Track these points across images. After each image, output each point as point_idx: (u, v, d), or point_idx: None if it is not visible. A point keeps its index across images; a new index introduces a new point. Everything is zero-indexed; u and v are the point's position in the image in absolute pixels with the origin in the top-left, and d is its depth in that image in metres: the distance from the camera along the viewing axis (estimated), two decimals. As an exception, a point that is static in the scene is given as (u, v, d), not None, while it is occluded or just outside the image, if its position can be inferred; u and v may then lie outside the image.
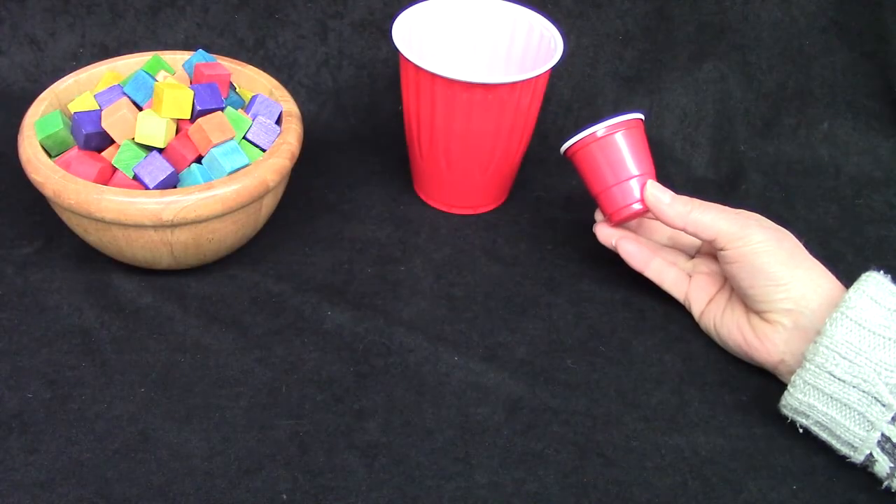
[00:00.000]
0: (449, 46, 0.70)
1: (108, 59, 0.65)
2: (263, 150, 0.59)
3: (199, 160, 0.57)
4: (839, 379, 0.49)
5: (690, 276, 0.61)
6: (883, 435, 0.48)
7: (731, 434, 0.53)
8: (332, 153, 0.74)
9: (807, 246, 0.55)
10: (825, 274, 0.53)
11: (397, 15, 0.65)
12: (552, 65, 0.62)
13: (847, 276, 0.53)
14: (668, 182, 0.74)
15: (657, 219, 0.58)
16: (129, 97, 0.58)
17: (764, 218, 0.57)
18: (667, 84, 0.79)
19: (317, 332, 0.58)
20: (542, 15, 0.67)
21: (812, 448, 0.52)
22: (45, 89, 0.62)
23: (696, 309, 0.60)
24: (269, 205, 0.60)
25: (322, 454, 0.50)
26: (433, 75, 0.60)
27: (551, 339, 0.59)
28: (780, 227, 0.56)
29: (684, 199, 0.57)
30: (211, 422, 0.51)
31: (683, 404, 0.55)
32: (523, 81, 0.60)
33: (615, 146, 0.58)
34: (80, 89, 0.63)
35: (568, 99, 0.79)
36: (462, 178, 0.66)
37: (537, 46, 0.67)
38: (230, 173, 0.55)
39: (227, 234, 0.58)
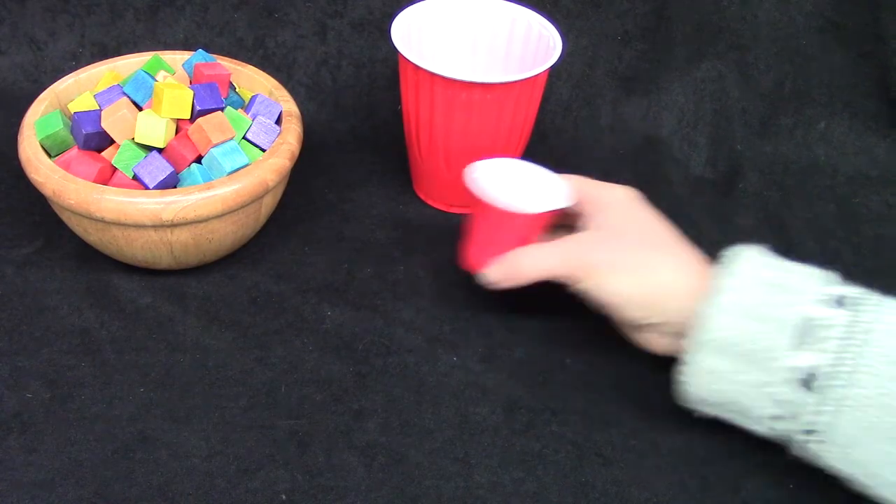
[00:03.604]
0: (448, 46, 0.70)
1: (108, 59, 0.65)
2: (263, 150, 0.59)
3: (198, 160, 0.57)
4: (710, 401, 0.49)
5: None
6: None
7: (729, 433, 0.53)
8: (332, 153, 0.74)
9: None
10: (683, 271, 0.51)
11: (396, 14, 0.65)
12: (551, 64, 0.62)
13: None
14: (667, 181, 0.75)
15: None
16: (129, 97, 0.58)
17: (606, 221, 0.54)
18: (665, 84, 0.79)
19: (316, 332, 0.58)
20: (541, 14, 0.67)
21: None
22: (45, 89, 0.62)
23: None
24: (268, 205, 0.60)
25: (321, 454, 0.50)
26: (432, 75, 0.60)
27: (550, 338, 0.59)
28: (621, 222, 0.53)
29: (509, 257, 0.55)
30: (210, 422, 0.51)
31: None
32: (522, 81, 0.60)
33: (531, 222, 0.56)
34: (80, 89, 0.63)
35: (567, 99, 0.79)
36: (461, 177, 0.66)
37: (536, 46, 0.67)
38: (230, 173, 0.56)
39: (227, 234, 0.58)
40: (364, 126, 0.78)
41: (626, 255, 0.52)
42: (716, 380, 0.48)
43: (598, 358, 0.58)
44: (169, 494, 0.47)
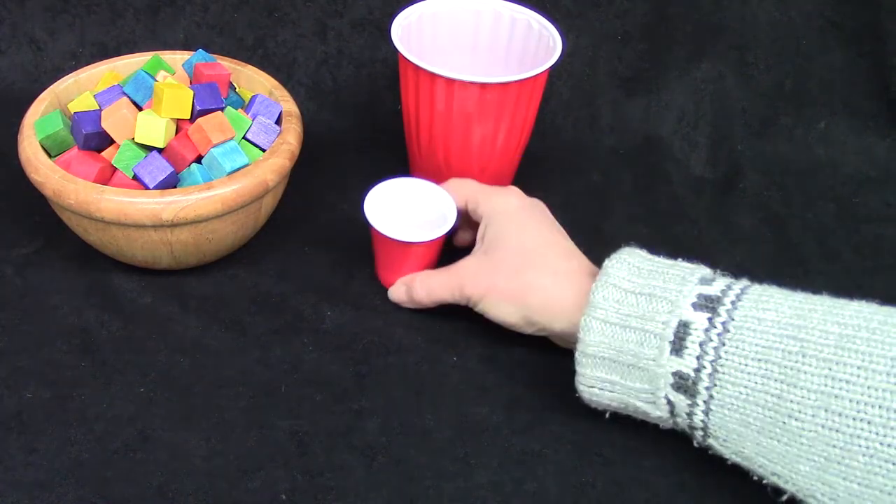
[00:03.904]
0: (448, 46, 0.70)
1: (108, 58, 0.66)
2: (263, 150, 0.59)
3: (198, 160, 0.57)
4: (608, 404, 0.51)
5: None
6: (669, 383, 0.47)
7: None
8: (332, 153, 0.74)
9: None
10: (563, 282, 0.53)
11: (396, 14, 0.65)
12: (551, 64, 0.62)
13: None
14: (667, 181, 0.75)
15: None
16: (129, 97, 0.58)
17: (490, 237, 0.56)
18: (665, 84, 0.79)
19: (316, 332, 0.58)
20: (541, 14, 0.67)
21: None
22: (45, 89, 0.62)
23: None
24: (268, 205, 0.60)
25: (321, 454, 0.50)
26: (432, 74, 0.60)
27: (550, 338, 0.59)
28: (501, 236, 0.55)
29: (408, 279, 0.59)
30: (210, 422, 0.51)
31: (681, 404, 0.55)
32: (522, 81, 0.60)
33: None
34: (80, 89, 0.63)
35: (567, 98, 0.79)
36: (461, 176, 0.66)
37: (536, 46, 0.67)
38: (230, 173, 0.56)
39: (226, 234, 0.58)
40: (364, 126, 0.78)
41: (506, 281, 0.54)
42: (607, 388, 0.50)
43: (598, 358, 0.58)
44: (169, 494, 0.47)
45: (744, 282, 0.48)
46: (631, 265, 0.50)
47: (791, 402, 0.43)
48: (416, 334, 0.58)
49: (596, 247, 0.62)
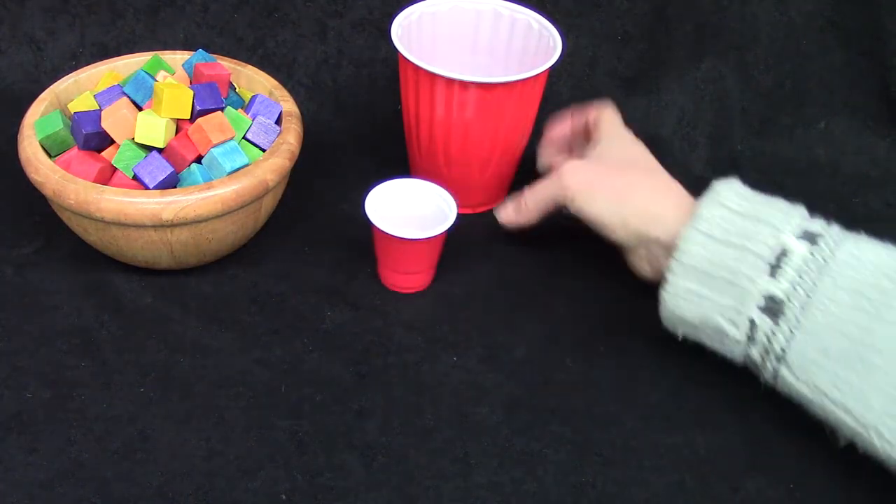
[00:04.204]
0: (448, 45, 0.70)
1: (108, 59, 0.66)
2: (263, 150, 0.59)
3: (198, 160, 0.57)
4: (688, 319, 0.52)
5: None
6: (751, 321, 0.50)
7: (728, 433, 0.53)
8: (332, 153, 0.74)
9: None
10: (660, 198, 0.55)
11: (396, 14, 0.65)
12: (551, 64, 0.62)
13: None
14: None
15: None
16: (129, 97, 0.58)
17: (598, 152, 0.60)
18: (665, 84, 0.79)
19: (316, 332, 0.58)
20: (542, 14, 0.67)
21: (810, 447, 0.53)
22: (45, 89, 0.62)
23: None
24: (268, 205, 0.60)
25: (321, 454, 0.50)
26: (432, 74, 0.60)
27: (550, 338, 0.59)
28: (609, 152, 0.59)
29: (517, 195, 0.61)
30: (210, 422, 0.52)
31: (681, 403, 0.55)
32: (522, 80, 0.60)
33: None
34: (80, 89, 0.63)
35: (567, 99, 0.79)
36: (461, 176, 0.66)
37: (536, 46, 0.67)
38: (230, 173, 0.56)
39: (226, 234, 0.58)
40: (364, 126, 0.78)
41: (610, 179, 0.57)
42: (694, 300, 0.51)
43: (598, 358, 0.58)
44: (169, 494, 0.47)
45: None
46: (738, 191, 0.52)
47: (877, 335, 0.45)
48: (416, 334, 0.58)
49: (596, 247, 0.62)
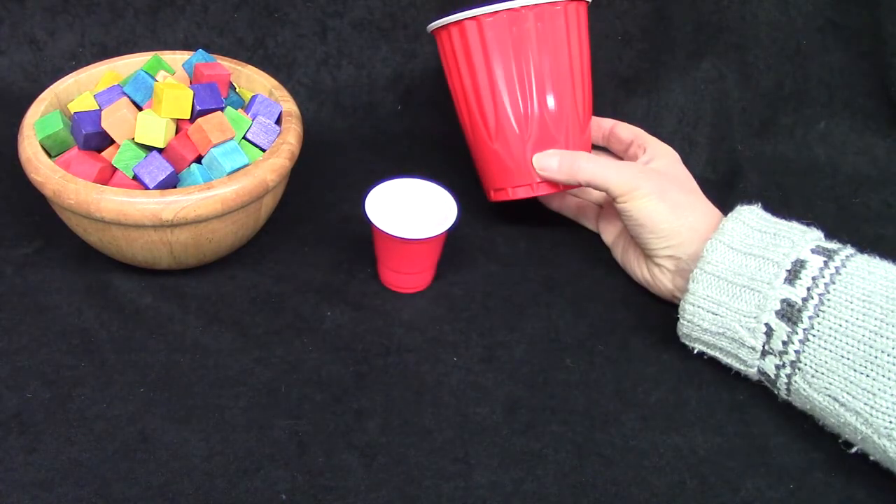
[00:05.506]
0: None
1: (108, 59, 0.66)
2: (263, 150, 0.59)
3: (198, 160, 0.57)
4: (707, 328, 0.55)
5: (601, 207, 0.68)
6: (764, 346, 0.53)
7: (728, 433, 0.53)
8: (332, 153, 0.75)
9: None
10: (706, 219, 0.58)
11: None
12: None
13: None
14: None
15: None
16: (129, 97, 0.58)
17: (658, 166, 0.62)
18: (665, 84, 0.79)
19: (316, 332, 0.58)
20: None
21: (810, 446, 0.53)
22: (45, 89, 0.62)
23: (606, 239, 0.67)
24: (268, 205, 0.60)
25: (321, 454, 0.50)
26: (476, 18, 0.59)
27: (550, 338, 0.59)
28: (670, 170, 0.61)
29: (569, 154, 0.61)
30: (210, 422, 0.51)
31: (681, 403, 0.55)
32: (568, 1, 0.60)
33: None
34: (80, 89, 0.63)
35: (566, 98, 0.79)
36: (533, 143, 0.63)
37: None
38: (230, 173, 0.56)
39: (226, 234, 0.58)
40: (364, 125, 0.78)
41: (671, 192, 0.59)
42: (712, 309, 0.54)
43: (598, 358, 0.58)
44: (169, 494, 0.47)
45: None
46: (759, 213, 0.56)
47: (886, 338, 0.48)
48: (416, 334, 0.58)
49: (596, 247, 0.62)
